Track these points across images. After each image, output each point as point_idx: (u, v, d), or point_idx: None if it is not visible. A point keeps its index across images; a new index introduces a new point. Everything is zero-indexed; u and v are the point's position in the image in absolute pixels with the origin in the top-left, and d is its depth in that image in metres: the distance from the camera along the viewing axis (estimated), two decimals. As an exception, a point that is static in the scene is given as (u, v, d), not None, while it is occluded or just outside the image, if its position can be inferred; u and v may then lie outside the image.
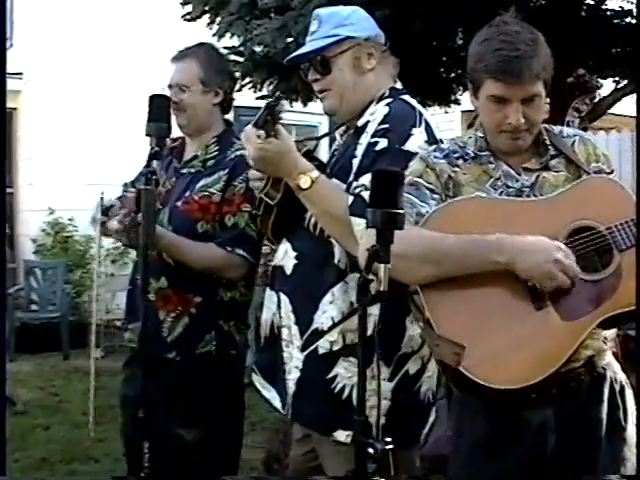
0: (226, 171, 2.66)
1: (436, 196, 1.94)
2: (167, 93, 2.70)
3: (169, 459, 2.55)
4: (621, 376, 2.00)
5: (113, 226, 2.54)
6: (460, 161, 1.99)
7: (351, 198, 2.05)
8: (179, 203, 2.67)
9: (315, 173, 2.09)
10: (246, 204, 2.60)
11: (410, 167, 2.00)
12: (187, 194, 2.68)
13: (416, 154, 2.04)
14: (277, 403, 2.26)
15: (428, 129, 2.14)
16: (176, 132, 2.59)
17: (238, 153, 2.67)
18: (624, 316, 1.84)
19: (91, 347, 5.62)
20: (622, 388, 1.98)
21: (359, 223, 1.97)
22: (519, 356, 1.79)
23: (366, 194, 1.97)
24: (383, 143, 2.08)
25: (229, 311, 2.68)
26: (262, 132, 2.02)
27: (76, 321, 7.97)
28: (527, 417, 1.90)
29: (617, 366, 2.01)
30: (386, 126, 2.11)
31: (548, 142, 1.98)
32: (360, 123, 2.21)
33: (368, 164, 2.07)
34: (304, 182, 2.07)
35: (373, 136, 2.11)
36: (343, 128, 2.34)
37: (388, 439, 1.51)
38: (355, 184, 2.08)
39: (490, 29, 1.92)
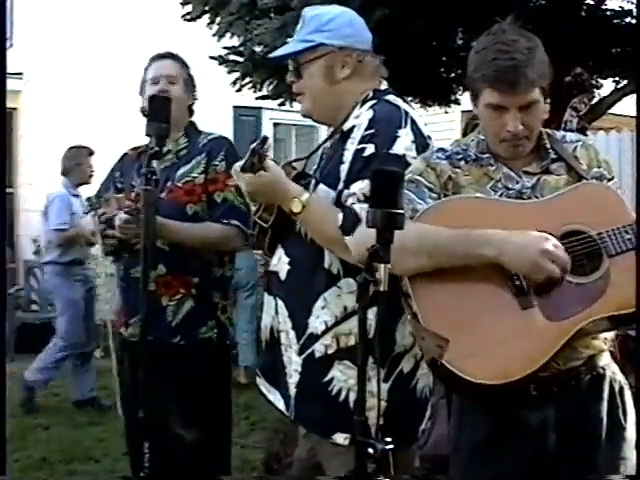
0: (203, 155, 2.78)
1: (434, 195, 1.96)
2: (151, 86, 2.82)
3: (170, 459, 2.56)
4: (620, 376, 2.01)
5: (122, 218, 2.59)
6: (462, 162, 2.00)
7: (341, 215, 2.06)
8: (163, 194, 2.73)
9: (305, 196, 2.11)
10: (231, 179, 2.68)
11: (412, 165, 2.02)
12: (169, 184, 2.76)
13: (404, 156, 2.06)
14: (281, 405, 2.26)
15: (414, 128, 2.13)
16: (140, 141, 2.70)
17: (210, 137, 2.83)
18: (615, 320, 1.84)
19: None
20: (621, 388, 1.99)
21: (350, 239, 2.01)
22: (501, 353, 1.80)
23: (357, 206, 2.01)
24: (370, 149, 2.08)
25: (222, 287, 2.80)
26: (250, 175, 2.08)
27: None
28: (527, 416, 1.90)
29: (615, 367, 2.02)
30: (372, 131, 2.10)
31: (549, 146, 1.99)
32: (346, 127, 2.20)
33: (357, 171, 2.08)
34: (295, 206, 2.10)
35: (360, 142, 2.11)
36: (330, 131, 2.33)
37: (388, 439, 1.52)
38: (346, 192, 2.09)
39: (488, 37, 1.93)
